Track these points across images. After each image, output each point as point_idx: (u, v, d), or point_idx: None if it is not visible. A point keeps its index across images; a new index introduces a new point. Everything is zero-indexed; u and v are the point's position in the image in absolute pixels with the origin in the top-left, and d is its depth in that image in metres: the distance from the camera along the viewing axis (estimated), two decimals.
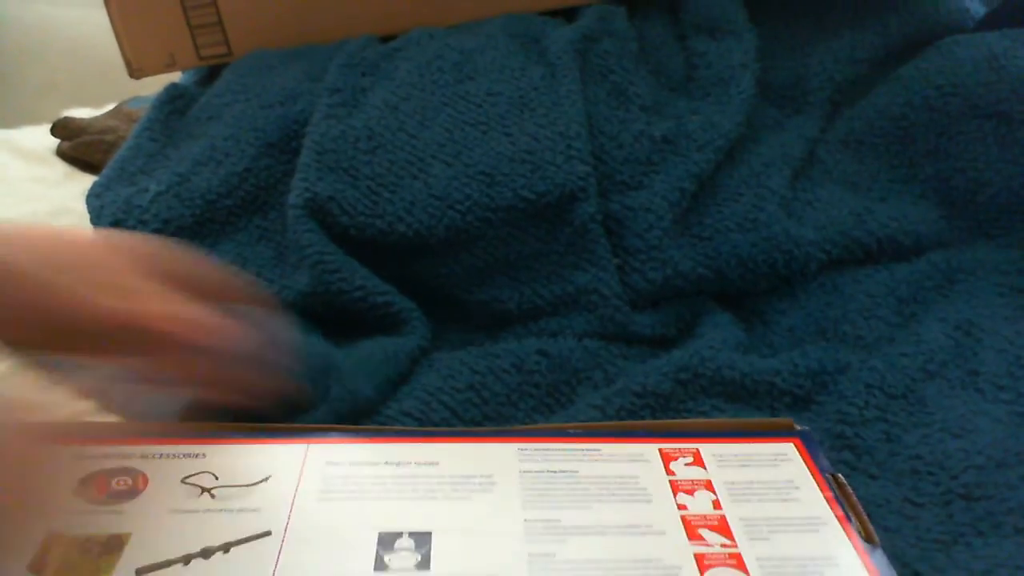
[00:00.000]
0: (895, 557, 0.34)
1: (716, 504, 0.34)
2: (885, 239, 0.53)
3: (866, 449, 0.39)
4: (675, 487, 0.35)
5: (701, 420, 0.42)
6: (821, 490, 0.35)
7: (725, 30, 0.64)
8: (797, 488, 0.35)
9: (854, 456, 0.39)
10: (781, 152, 0.58)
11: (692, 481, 0.35)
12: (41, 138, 0.89)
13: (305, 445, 0.37)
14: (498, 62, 0.60)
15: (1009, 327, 0.44)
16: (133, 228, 0.55)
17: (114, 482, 0.34)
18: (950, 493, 0.36)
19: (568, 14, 0.68)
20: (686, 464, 0.36)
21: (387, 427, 0.41)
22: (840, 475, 0.36)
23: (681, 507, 0.34)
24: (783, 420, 0.40)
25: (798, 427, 0.39)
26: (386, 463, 0.36)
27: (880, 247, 0.53)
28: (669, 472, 0.36)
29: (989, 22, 0.65)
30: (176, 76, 0.78)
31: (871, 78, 0.63)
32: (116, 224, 0.56)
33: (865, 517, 0.34)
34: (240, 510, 0.34)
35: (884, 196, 0.57)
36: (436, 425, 0.43)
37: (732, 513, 0.34)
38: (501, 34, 0.64)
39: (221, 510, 0.34)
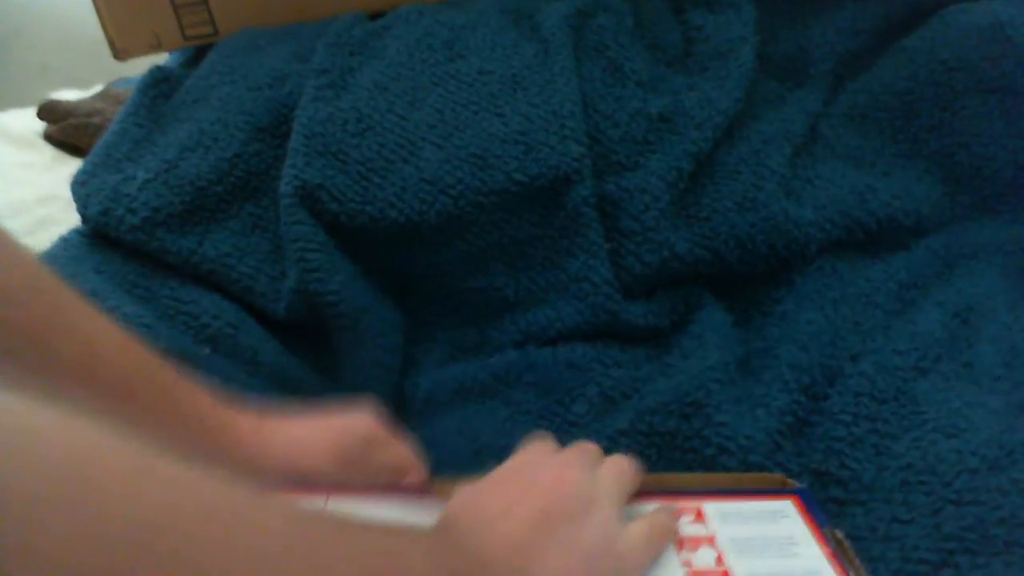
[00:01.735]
0: None
1: (719, 560, 0.34)
2: (886, 219, 0.52)
3: (853, 477, 0.39)
4: (679, 543, 0.35)
5: (700, 475, 0.42)
6: (820, 546, 0.35)
7: (723, 2, 0.62)
8: (797, 544, 0.35)
9: (842, 490, 0.39)
10: (782, 128, 0.57)
11: (695, 538, 0.36)
12: (29, 121, 0.88)
13: (325, 496, 0.36)
14: (489, 39, 0.58)
15: (1008, 313, 0.44)
16: (121, 217, 0.54)
17: None
18: (941, 500, 0.35)
19: None
20: (689, 522, 0.37)
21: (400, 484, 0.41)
22: (839, 531, 0.36)
23: (685, 563, 0.34)
24: (777, 476, 0.40)
25: (794, 485, 0.40)
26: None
27: (880, 228, 0.52)
28: None
29: None
30: (163, 57, 0.76)
31: (874, 49, 0.61)
32: (104, 213, 0.55)
33: (862, 569, 0.34)
34: None
35: (888, 171, 0.56)
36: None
37: (735, 568, 0.34)
38: (493, 10, 0.62)
39: None
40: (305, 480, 0.38)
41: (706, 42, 0.61)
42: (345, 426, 0.41)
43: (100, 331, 0.36)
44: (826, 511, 0.38)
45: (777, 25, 0.63)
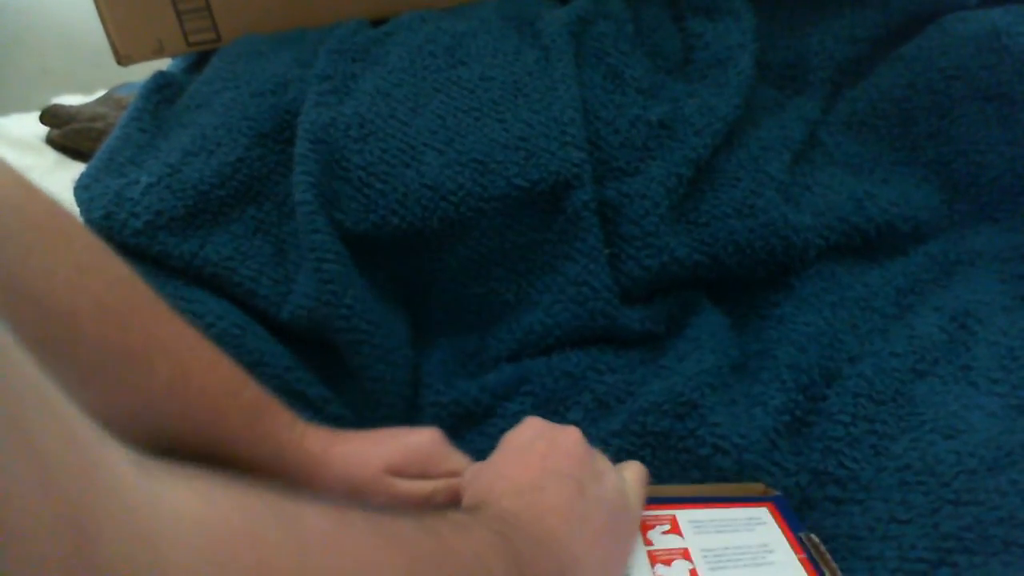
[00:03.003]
0: None
1: (693, 573, 0.34)
2: (884, 225, 0.52)
3: (852, 476, 0.39)
4: (653, 558, 0.35)
5: (679, 487, 0.42)
6: (795, 552, 0.35)
7: (723, 10, 0.62)
8: (772, 552, 0.35)
9: (839, 489, 0.39)
10: (780, 135, 0.57)
11: (669, 551, 0.36)
12: (31, 126, 0.88)
13: None
14: (491, 46, 0.59)
15: (1005, 317, 0.44)
16: (124, 221, 0.54)
17: None
18: (939, 500, 0.35)
19: None
20: (663, 532, 0.37)
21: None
22: (814, 536, 0.36)
23: None
24: (756, 485, 0.40)
25: (771, 492, 0.40)
26: None
27: (879, 233, 0.52)
28: (647, 542, 0.36)
29: None
30: (165, 62, 0.76)
31: (872, 57, 0.62)
32: (107, 216, 0.55)
33: (838, 572, 0.34)
34: None
35: (886, 179, 0.56)
36: None
37: None
38: (494, 17, 0.63)
39: None
40: (363, 492, 0.40)
41: (705, 49, 0.61)
42: (405, 440, 0.43)
43: (193, 349, 0.37)
44: (800, 516, 0.38)
45: (776, 33, 0.64)
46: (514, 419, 0.47)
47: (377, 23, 0.67)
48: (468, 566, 0.26)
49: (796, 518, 0.38)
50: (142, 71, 0.72)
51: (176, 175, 0.55)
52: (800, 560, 0.35)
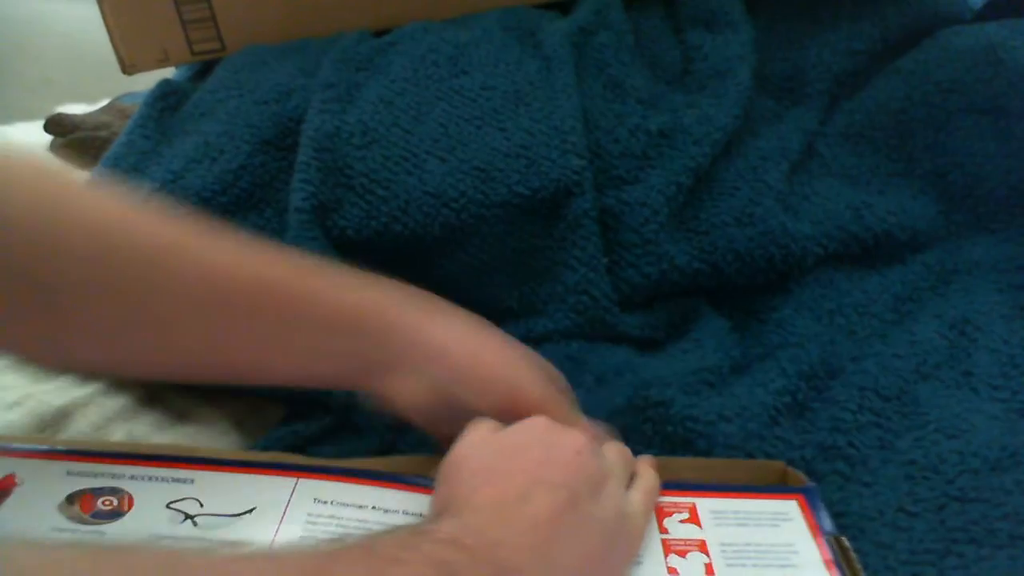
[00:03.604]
0: (889, 571, 0.34)
1: (709, 568, 0.32)
2: (882, 234, 0.53)
3: (860, 459, 0.39)
4: (667, 547, 0.33)
5: (694, 460, 0.40)
6: (820, 553, 0.33)
7: (722, 22, 0.63)
8: (796, 552, 0.33)
9: (848, 466, 0.39)
10: (779, 145, 0.58)
11: (685, 541, 0.34)
12: (35, 135, 0.88)
13: (294, 479, 0.36)
14: (493, 56, 0.60)
15: (1004, 326, 0.44)
16: None
17: (100, 501, 0.34)
18: (945, 497, 0.35)
19: (563, 7, 0.67)
20: (681, 521, 0.34)
21: (379, 471, 0.38)
22: (843, 538, 0.34)
23: (672, 571, 0.32)
24: (778, 465, 0.38)
25: (800, 480, 0.38)
26: (374, 508, 0.35)
27: (877, 242, 0.53)
28: (662, 530, 0.34)
29: (987, 12, 0.64)
30: (170, 72, 0.77)
31: (869, 70, 0.63)
32: None
33: None
34: (220, 540, 0.32)
35: (883, 190, 0.57)
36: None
37: None
38: (496, 27, 0.63)
39: (202, 539, 0.32)
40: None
41: (704, 61, 0.62)
42: (518, 382, 0.38)
43: (219, 250, 0.35)
44: (830, 515, 0.36)
45: (774, 45, 0.64)
46: None
47: (380, 33, 0.67)
48: None
49: (827, 515, 0.35)
50: (145, 81, 0.73)
51: (179, 182, 0.56)
52: (825, 562, 0.33)
